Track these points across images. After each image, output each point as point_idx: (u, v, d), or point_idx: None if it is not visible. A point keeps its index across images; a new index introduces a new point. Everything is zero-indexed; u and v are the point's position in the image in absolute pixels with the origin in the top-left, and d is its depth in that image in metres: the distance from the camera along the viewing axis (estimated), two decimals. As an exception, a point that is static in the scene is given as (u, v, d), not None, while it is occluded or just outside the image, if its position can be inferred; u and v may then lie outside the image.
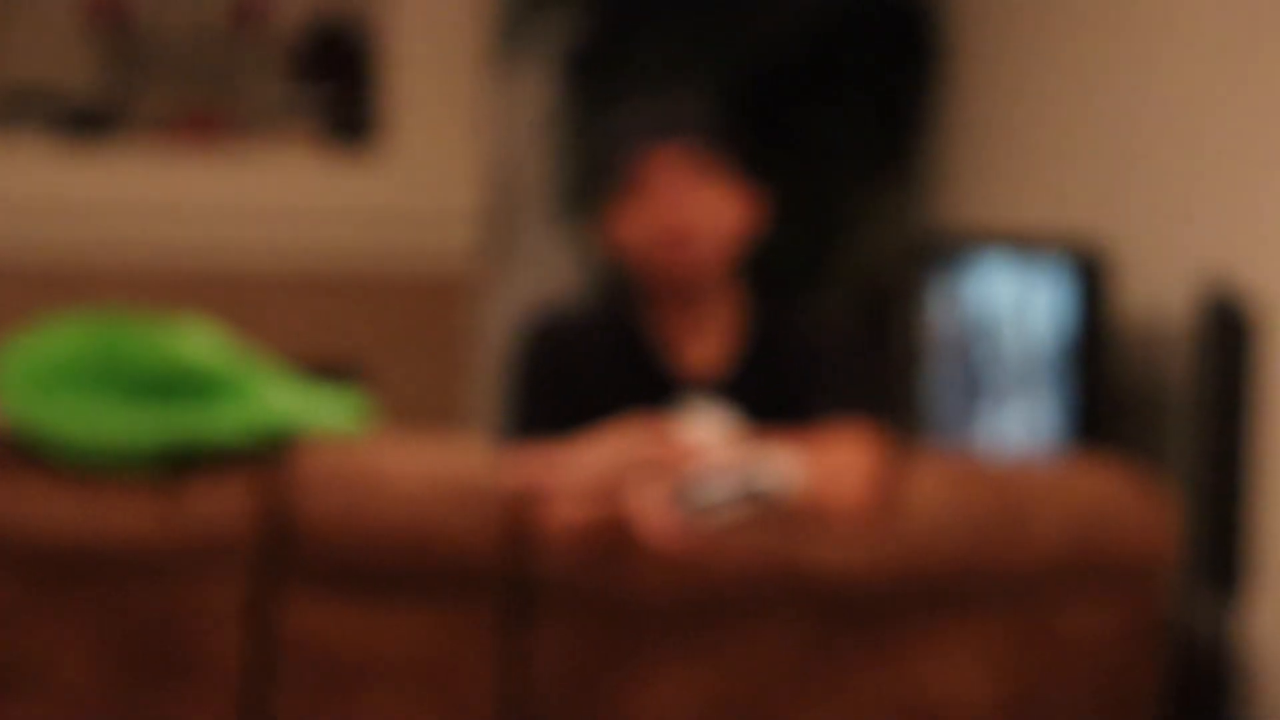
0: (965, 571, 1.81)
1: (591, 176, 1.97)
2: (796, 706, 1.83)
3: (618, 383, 1.91)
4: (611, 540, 1.65)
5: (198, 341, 1.77)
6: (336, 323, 4.20)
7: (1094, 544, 1.85)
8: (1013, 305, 3.13)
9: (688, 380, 1.93)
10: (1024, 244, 3.30)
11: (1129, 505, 1.88)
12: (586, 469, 1.67)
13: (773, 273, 3.75)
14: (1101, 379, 2.88)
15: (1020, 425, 3.07)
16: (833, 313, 2.20)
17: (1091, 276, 2.86)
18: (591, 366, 1.93)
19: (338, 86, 4.30)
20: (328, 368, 4.17)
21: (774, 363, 1.96)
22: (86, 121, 4.12)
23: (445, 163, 4.25)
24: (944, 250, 3.57)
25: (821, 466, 1.71)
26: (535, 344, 2.01)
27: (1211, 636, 2.84)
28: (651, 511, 1.59)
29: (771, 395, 1.90)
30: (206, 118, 4.23)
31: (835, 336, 2.11)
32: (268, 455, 1.77)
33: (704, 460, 1.65)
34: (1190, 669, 2.78)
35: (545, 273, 4.38)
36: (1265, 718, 2.82)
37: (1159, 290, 3.15)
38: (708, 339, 1.95)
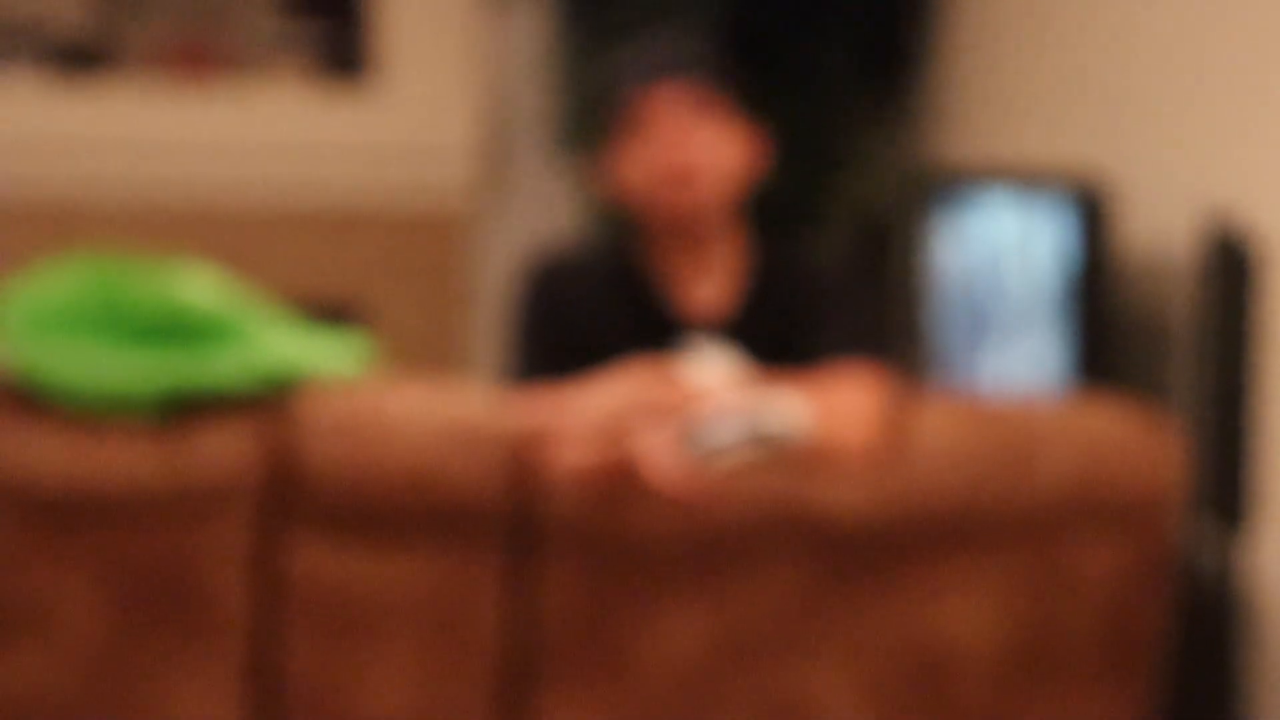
0: (972, 511, 1.80)
1: (591, 116, 1.91)
2: (804, 647, 1.82)
3: (621, 325, 1.89)
4: (618, 483, 1.63)
5: (198, 284, 1.74)
6: (333, 259, 4.17)
7: (1100, 481, 1.83)
8: (1014, 241, 3.10)
9: (691, 321, 1.90)
10: (1025, 179, 3.26)
11: (1134, 442, 1.86)
12: (593, 412, 1.65)
13: (772, 211, 3.73)
14: (1104, 314, 2.85)
15: (1024, 361, 3.04)
16: (834, 253, 2.16)
17: (1093, 211, 2.82)
18: (594, 309, 1.91)
19: (332, 21, 4.24)
20: (324, 305, 4.17)
21: (776, 303, 1.94)
22: (77, 57, 4.05)
23: (441, 98, 4.18)
24: (944, 186, 3.53)
25: (828, 408, 1.69)
26: (537, 286, 1.98)
27: (1218, 571, 2.82)
28: (658, 455, 1.57)
29: (774, 336, 1.88)
30: (199, 52, 4.16)
31: (837, 277, 2.09)
32: (271, 399, 1.75)
33: (711, 403, 1.63)
34: (1197, 603, 2.76)
35: (543, 208, 4.34)
36: (1271, 651, 2.81)
37: (1162, 224, 3.12)
38: (710, 280, 1.93)
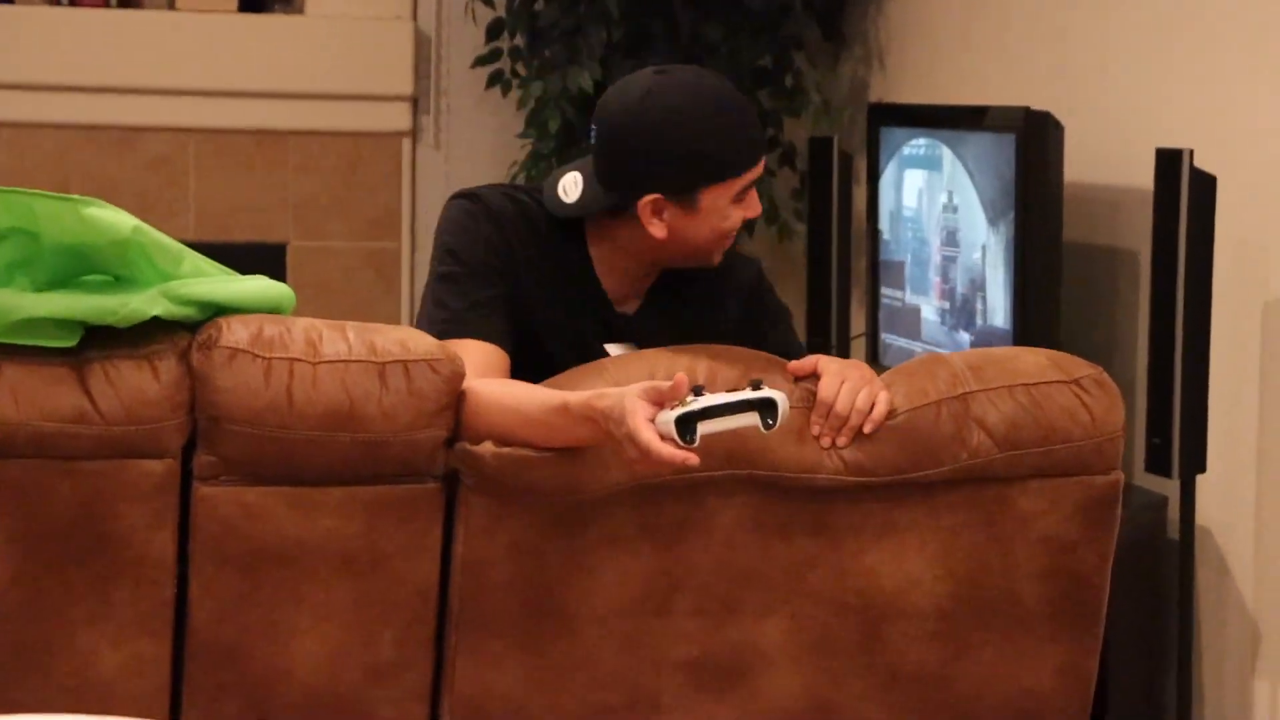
0: (912, 463, 1.80)
1: (672, 159, 1.96)
2: (745, 597, 1.82)
3: (559, 296, 1.90)
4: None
5: (112, 214, 1.67)
6: (267, 188, 4.15)
7: (1040, 428, 1.83)
8: (951, 177, 3.11)
9: (616, 307, 1.94)
10: (963, 112, 3.28)
11: (1074, 387, 1.86)
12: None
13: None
14: (1053, 253, 2.87)
15: (968, 296, 3.06)
16: (738, 257, 2.18)
17: (1037, 144, 2.85)
18: (537, 274, 1.89)
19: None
20: (258, 239, 4.12)
21: (677, 303, 1.98)
22: None
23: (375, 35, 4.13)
24: (884, 117, 3.54)
25: (852, 383, 1.77)
26: (483, 223, 1.93)
27: (1159, 511, 2.88)
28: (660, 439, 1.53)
29: (671, 334, 1.92)
30: None
31: (742, 280, 2.15)
32: (192, 330, 1.70)
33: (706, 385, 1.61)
34: (1141, 549, 2.80)
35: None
36: (1205, 585, 2.90)
37: (1099, 156, 3.12)
38: (629, 274, 1.99)
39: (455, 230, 1.89)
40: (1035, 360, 1.89)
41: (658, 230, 1.85)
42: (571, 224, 1.91)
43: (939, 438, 1.81)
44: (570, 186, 1.90)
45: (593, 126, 1.93)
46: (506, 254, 1.87)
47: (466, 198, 1.91)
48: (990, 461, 1.79)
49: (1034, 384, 1.83)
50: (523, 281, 1.87)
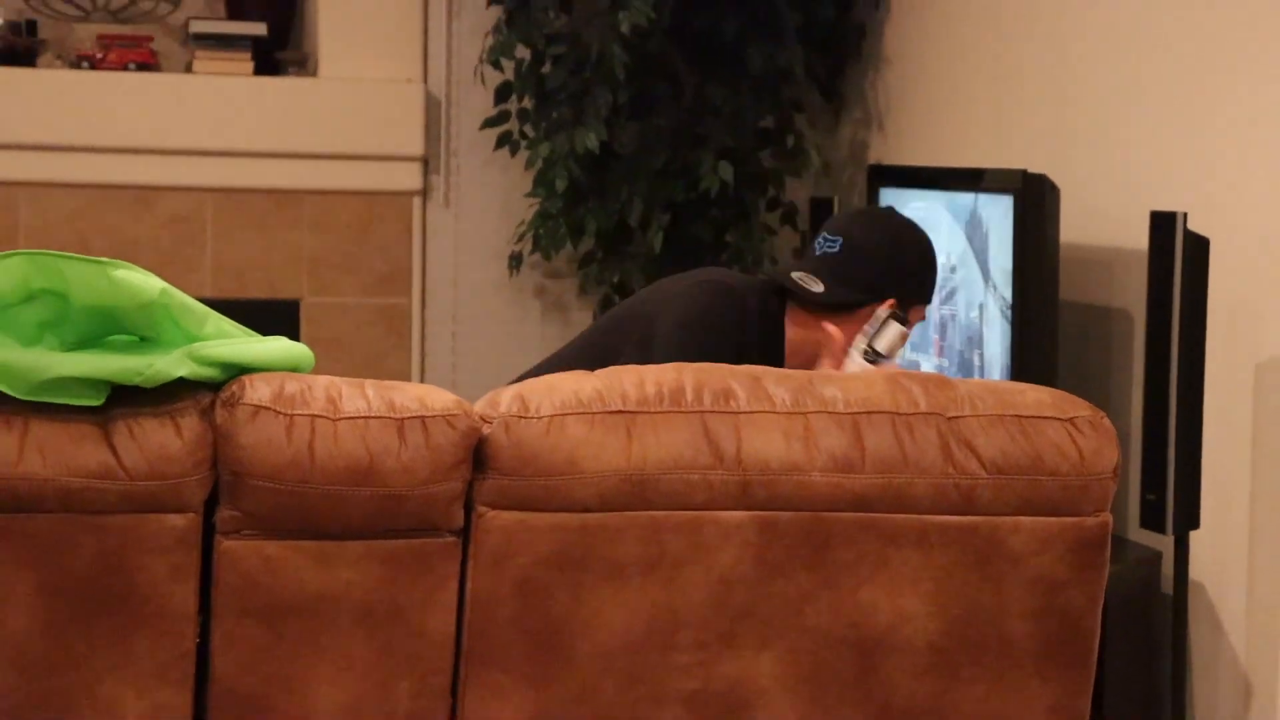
0: (905, 498, 1.82)
1: (917, 273, 2.54)
2: (741, 633, 1.81)
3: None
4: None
5: (144, 282, 1.70)
6: (281, 246, 4.15)
7: (1034, 466, 1.84)
8: (955, 234, 3.12)
9: None
10: (964, 175, 3.30)
11: (1069, 428, 1.88)
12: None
13: (730, 202, 3.79)
14: (1049, 304, 2.86)
15: (966, 345, 3.09)
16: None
17: (1034, 205, 2.86)
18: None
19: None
20: (272, 296, 4.14)
21: None
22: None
23: (386, 97, 4.15)
24: (884, 177, 3.57)
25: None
26: (731, 320, 2.31)
27: (1154, 566, 2.86)
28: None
29: None
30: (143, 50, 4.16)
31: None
32: (211, 394, 1.72)
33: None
34: (1134, 594, 2.79)
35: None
36: (1199, 640, 2.83)
37: (1096, 220, 3.14)
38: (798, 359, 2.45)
39: (706, 318, 2.31)
40: (1037, 396, 1.90)
41: (851, 329, 2.31)
42: (777, 312, 2.36)
43: (927, 448, 1.83)
44: (810, 281, 2.33)
45: (827, 235, 2.39)
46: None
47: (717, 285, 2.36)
48: (976, 485, 1.80)
49: (1028, 416, 1.84)
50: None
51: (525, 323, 4.29)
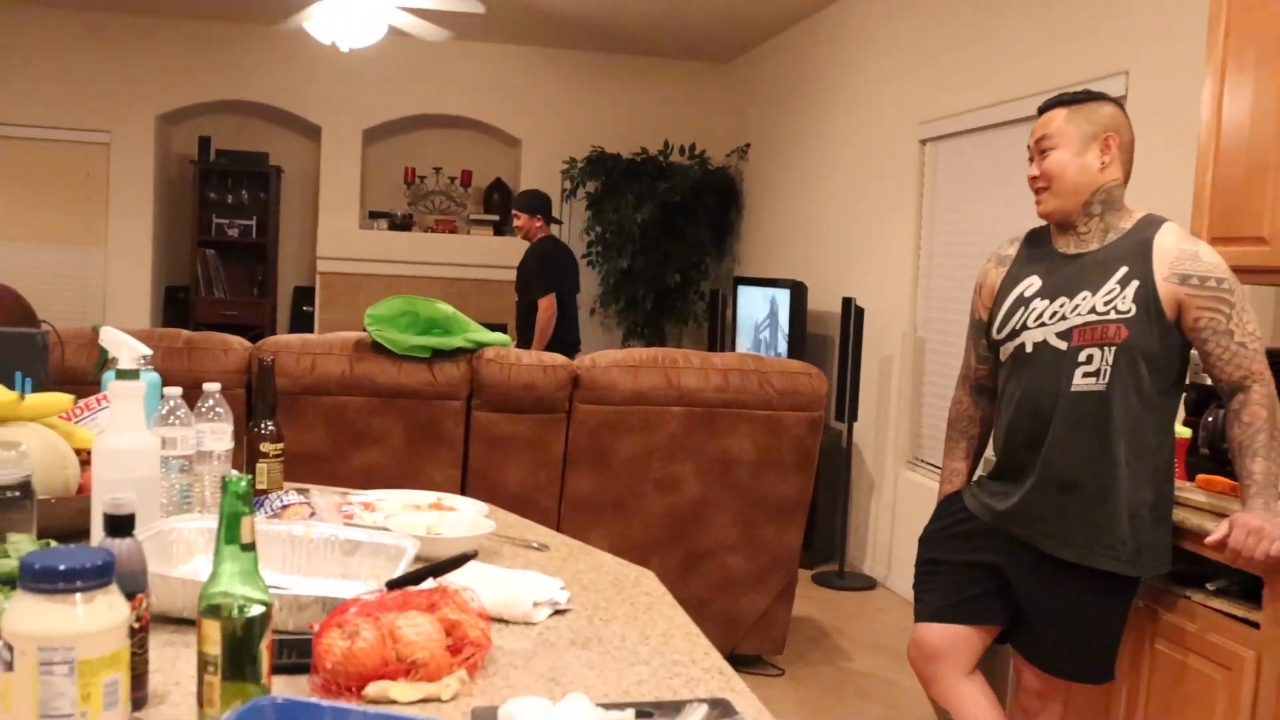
0: (744, 400, 3.24)
1: None
2: (678, 455, 3.30)
3: None
4: None
5: (445, 306, 3.48)
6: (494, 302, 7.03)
7: (797, 391, 3.27)
8: (767, 306, 5.17)
9: None
10: (772, 281, 5.21)
11: (812, 377, 3.31)
12: None
13: (668, 297, 6.57)
14: (803, 335, 4.91)
15: (771, 349, 4.95)
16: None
17: (798, 294, 4.88)
18: None
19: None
20: (491, 318, 7.07)
21: None
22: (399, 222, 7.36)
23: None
24: (740, 281, 5.61)
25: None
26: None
27: (838, 437, 4.73)
28: None
29: None
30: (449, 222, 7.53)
31: None
32: (472, 353, 3.22)
33: None
34: (828, 450, 4.58)
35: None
36: (861, 478, 4.63)
37: (823, 301, 5.07)
38: None
39: None
40: (799, 365, 3.37)
41: None
42: None
43: (753, 383, 3.18)
44: None
45: None
46: None
47: None
48: (772, 398, 3.30)
49: (795, 372, 3.31)
50: None
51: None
